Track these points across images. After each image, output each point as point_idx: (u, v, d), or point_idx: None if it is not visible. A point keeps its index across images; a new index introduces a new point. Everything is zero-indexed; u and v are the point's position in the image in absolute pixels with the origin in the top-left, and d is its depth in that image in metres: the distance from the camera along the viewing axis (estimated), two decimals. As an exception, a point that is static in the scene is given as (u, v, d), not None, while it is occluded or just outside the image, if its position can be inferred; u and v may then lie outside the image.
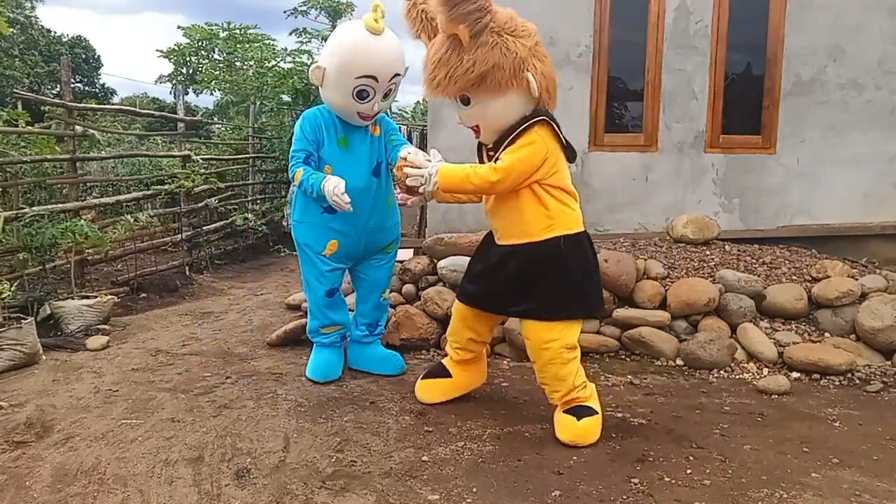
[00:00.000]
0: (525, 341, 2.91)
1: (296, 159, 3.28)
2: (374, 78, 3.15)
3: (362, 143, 3.38)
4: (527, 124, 2.77)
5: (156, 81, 12.35)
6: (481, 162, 2.95)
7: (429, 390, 3.20)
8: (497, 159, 2.78)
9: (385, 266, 3.63)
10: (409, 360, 3.84)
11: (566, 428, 2.75)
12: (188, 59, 11.83)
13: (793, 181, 5.21)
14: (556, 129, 2.88)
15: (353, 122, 3.34)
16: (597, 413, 2.79)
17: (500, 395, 3.28)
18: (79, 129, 5.65)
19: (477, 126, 2.88)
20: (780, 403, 3.21)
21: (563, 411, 2.80)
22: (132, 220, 6.24)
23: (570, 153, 3.00)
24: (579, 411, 2.76)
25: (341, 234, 3.39)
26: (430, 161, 2.84)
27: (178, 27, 13.38)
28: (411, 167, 2.80)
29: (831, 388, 3.42)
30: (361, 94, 3.19)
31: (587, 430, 2.74)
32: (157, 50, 12.61)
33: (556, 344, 2.76)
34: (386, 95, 3.28)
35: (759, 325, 3.89)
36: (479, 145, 3.02)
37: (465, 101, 2.82)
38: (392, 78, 3.21)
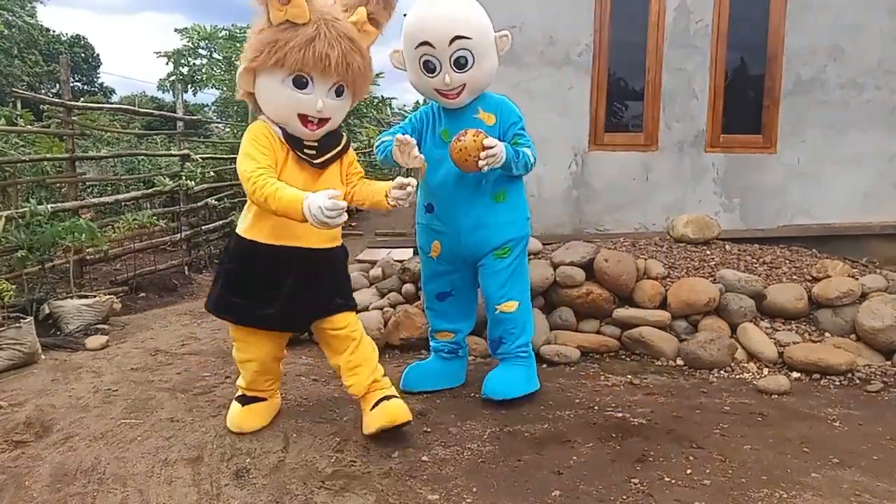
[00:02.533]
0: (333, 339, 2.79)
1: (382, 141, 3.06)
2: (430, 44, 2.88)
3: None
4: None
5: (158, 87, 12.35)
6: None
7: (249, 417, 2.87)
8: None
9: (496, 273, 3.11)
10: (409, 360, 3.83)
11: (385, 413, 2.70)
12: (187, 59, 11.83)
13: (793, 181, 5.21)
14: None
15: (445, 106, 3.07)
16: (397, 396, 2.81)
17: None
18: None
19: (322, 120, 2.71)
20: (781, 403, 3.21)
21: (376, 402, 2.73)
22: (131, 220, 6.24)
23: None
24: (387, 397, 2.76)
25: (442, 235, 3.18)
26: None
27: (175, 30, 13.36)
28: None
29: (831, 388, 3.41)
30: (427, 67, 2.94)
31: (400, 408, 2.72)
32: (154, 52, 12.59)
33: (360, 326, 2.87)
34: (461, 65, 2.91)
35: (759, 324, 3.88)
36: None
37: (340, 93, 2.72)
38: (452, 41, 2.86)
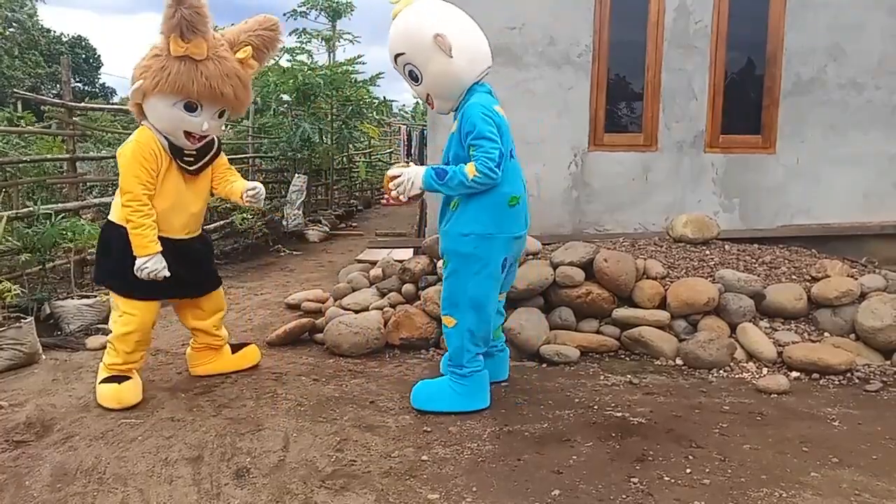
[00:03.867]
0: (200, 312, 3.48)
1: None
2: (393, 59, 3.06)
3: (448, 139, 3.11)
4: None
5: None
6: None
7: (129, 392, 3.15)
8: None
9: (445, 276, 3.15)
10: (409, 360, 3.84)
11: (249, 353, 3.67)
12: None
13: (792, 181, 5.21)
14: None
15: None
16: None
17: (500, 395, 3.28)
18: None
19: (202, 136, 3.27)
20: (780, 403, 3.21)
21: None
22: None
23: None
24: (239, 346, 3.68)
25: None
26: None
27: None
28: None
29: (831, 388, 3.42)
30: (411, 75, 3.07)
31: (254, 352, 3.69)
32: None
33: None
34: (415, 77, 3.04)
35: (758, 324, 3.89)
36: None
37: (221, 115, 3.29)
38: (396, 60, 3.05)
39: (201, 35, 2.98)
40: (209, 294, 3.49)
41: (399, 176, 2.96)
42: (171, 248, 3.18)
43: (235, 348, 3.67)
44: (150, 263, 3.07)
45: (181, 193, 3.24)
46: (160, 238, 3.15)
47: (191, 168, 3.26)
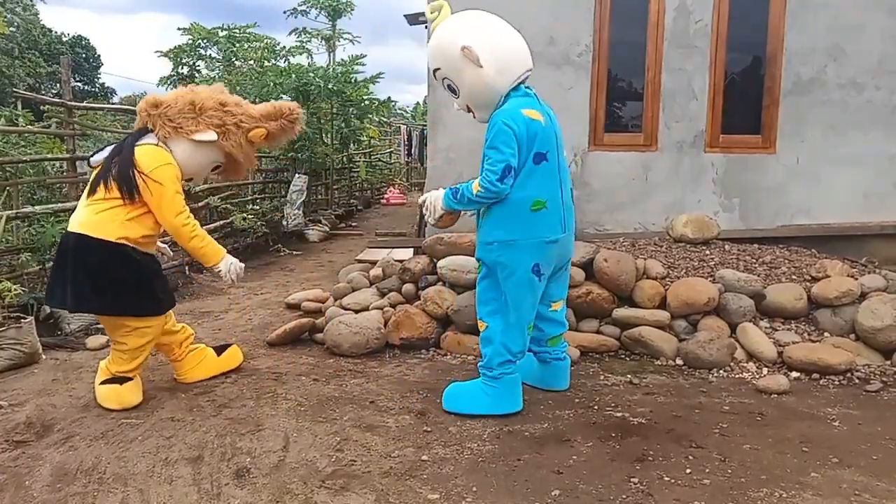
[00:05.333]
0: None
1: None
2: (433, 74, 3.17)
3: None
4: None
5: (158, 84, 12.35)
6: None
7: (131, 393, 3.18)
8: None
9: (477, 282, 3.20)
10: (409, 360, 3.84)
11: (232, 354, 3.66)
12: (189, 56, 11.81)
13: (793, 181, 5.21)
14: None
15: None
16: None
17: (499, 395, 3.27)
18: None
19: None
20: (780, 403, 3.21)
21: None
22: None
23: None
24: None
25: None
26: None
27: (178, 28, 13.33)
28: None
29: (831, 388, 3.42)
30: (449, 89, 3.15)
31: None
32: (156, 51, 12.58)
33: None
34: (453, 90, 3.10)
35: (758, 324, 3.89)
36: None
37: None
38: (435, 74, 3.13)
39: (280, 142, 3.60)
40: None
41: (424, 201, 3.17)
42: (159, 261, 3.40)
43: (218, 350, 3.63)
44: (234, 261, 3.30)
45: None
46: (152, 254, 3.30)
47: None
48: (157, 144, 3.20)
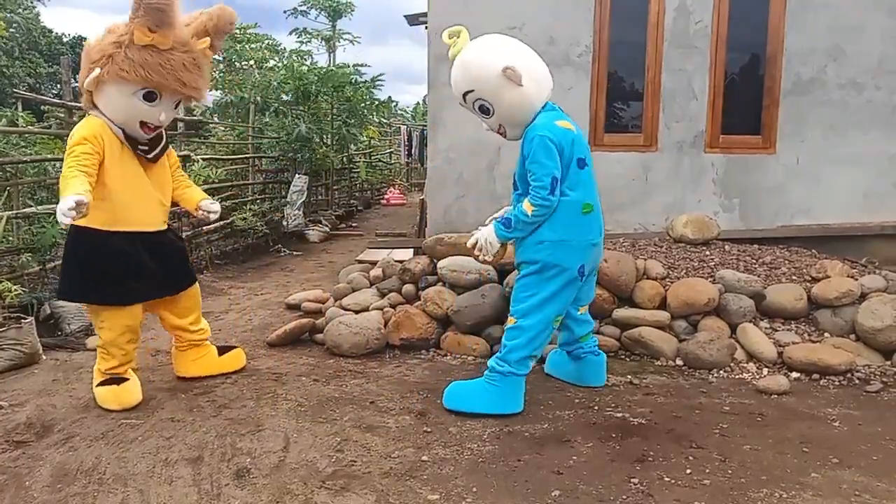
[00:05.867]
0: (179, 310, 3.45)
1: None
2: (462, 97, 3.15)
3: (521, 167, 3.15)
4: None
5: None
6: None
7: (129, 393, 3.16)
8: None
9: (517, 280, 3.19)
10: (409, 360, 3.84)
11: (235, 357, 3.61)
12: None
13: (793, 181, 5.21)
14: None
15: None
16: None
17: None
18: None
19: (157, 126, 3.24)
20: (780, 403, 3.21)
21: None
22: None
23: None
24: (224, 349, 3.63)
25: None
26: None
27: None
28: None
29: (831, 388, 3.42)
30: (482, 109, 3.14)
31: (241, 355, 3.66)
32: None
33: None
34: (486, 111, 3.11)
35: (758, 325, 3.89)
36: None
37: (177, 106, 3.33)
38: (465, 97, 3.12)
39: (168, 26, 2.95)
40: (186, 291, 3.44)
41: (475, 242, 3.14)
42: (145, 242, 3.17)
43: (222, 350, 3.62)
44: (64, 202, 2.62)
45: (144, 183, 3.18)
46: (131, 233, 3.12)
47: (148, 156, 3.20)
48: (89, 113, 3.16)
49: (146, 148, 3.19)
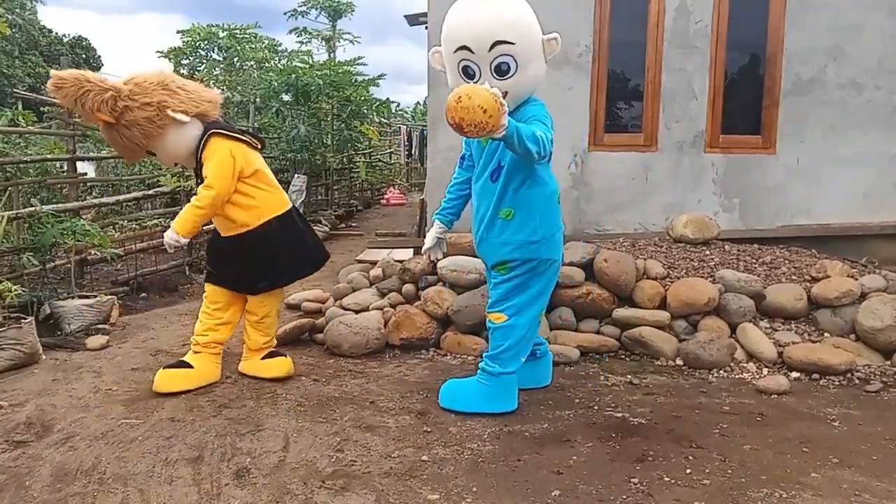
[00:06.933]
0: (250, 307, 3.53)
1: (458, 164, 3.21)
2: (469, 49, 2.71)
3: (492, 141, 2.87)
4: (203, 141, 3.28)
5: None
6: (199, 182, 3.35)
7: (172, 380, 3.28)
8: (201, 180, 3.30)
9: (494, 286, 3.05)
10: (409, 360, 3.84)
11: (281, 364, 3.50)
12: (188, 56, 11.81)
13: (793, 181, 5.21)
14: (230, 132, 3.33)
15: None
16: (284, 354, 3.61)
17: (499, 395, 3.28)
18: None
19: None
20: (780, 403, 3.21)
21: (264, 357, 3.53)
22: (137, 225, 6.24)
23: (255, 141, 3.48)
24: (275, 354, 3.58)
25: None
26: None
27: (178, 31, 13.34)
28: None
29: (831, 388, 3.42)
30: (467, 72, 2.78)
31: (289, 363, 3.55)
32: (156, 52, 12.58)
33: (278, 302, 3.68)
34: (503, 72, 2.73)
35: (758, 324, 3.89)
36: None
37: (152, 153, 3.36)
38: (493, 47, 2.68)
39: (86, 109, 3.15)
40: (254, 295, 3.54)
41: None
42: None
43: (270, 355, 3.56)
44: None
45: None
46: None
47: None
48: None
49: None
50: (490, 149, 2.95)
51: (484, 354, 3.12)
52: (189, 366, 3.36)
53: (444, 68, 2.94)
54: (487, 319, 3.09)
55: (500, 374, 3.01)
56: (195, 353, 3.42)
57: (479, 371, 3.08)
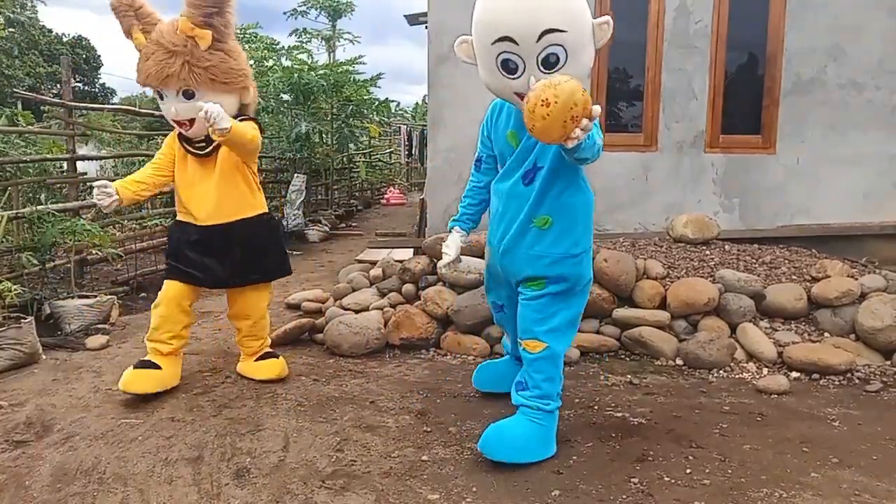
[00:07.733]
0: (243, 303, 3.48)
1: (473, 167, 2.91)
2: (513, 40, 2.30)
3: (529, 139, 2.53)
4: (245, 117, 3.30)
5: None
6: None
7: (141, 380, 3.17)
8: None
9: (526, 303, 2.63)
10: (409, 360, 3.84)
11: (274, 366, 3.47)
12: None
13: (792, 181, 5.21)
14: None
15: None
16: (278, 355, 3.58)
17: (499, 396, 3.27)
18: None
19: (190, 120, 3.15)
20: (780, 403, 3.21)
21: (258, 358, 3.52)
22: (137, 225, 6.23)
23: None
24: (269, 355, 3.55)
25: (489, 244, 2.81)
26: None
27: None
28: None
29: (831, 388, 3.42)
30: (507, 67, 2.37)
31: (282, 364, 3.51)
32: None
33: (269, 297, 3.61)
34: (551, 64, 2.33)
35: (758, 324, 3.89)
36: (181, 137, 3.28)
37: (189, 95, 3.13)
38: (541, 37, 2.27)
39: (135, 27, 3.10)
40: (239, 287, 3.45)
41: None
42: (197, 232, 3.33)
43: (264, 356, 3.54)
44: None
45: (197, 180, 3.29)
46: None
47: (201, 153, 3.26)
48: None
49: (202, 144, 3.24)
50: (525, 147, 2.57)
51: (520, 393, 2.65)
52: (157, 367, 3.25)
53: (473, 60, 2.52)
54: (521, 347, 2.66)
55: (555, 410, 2.64)
56: (162, 354, 3.29)
57: (529, 410, 2.61)
